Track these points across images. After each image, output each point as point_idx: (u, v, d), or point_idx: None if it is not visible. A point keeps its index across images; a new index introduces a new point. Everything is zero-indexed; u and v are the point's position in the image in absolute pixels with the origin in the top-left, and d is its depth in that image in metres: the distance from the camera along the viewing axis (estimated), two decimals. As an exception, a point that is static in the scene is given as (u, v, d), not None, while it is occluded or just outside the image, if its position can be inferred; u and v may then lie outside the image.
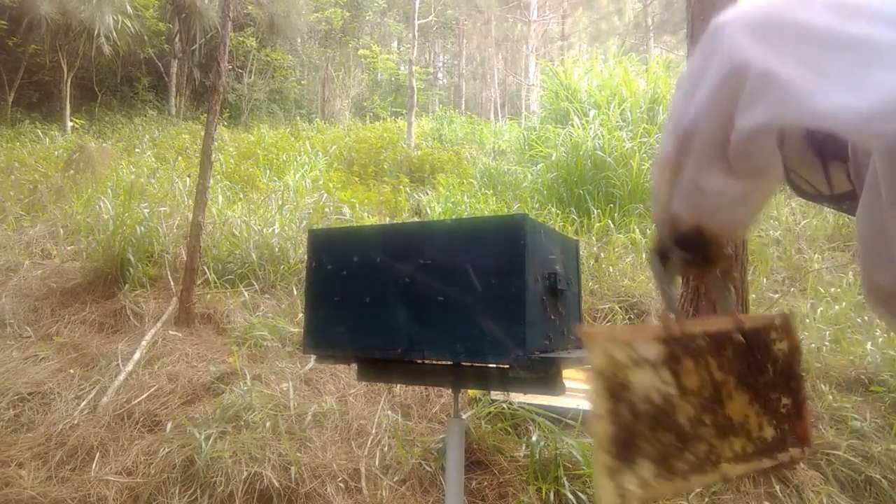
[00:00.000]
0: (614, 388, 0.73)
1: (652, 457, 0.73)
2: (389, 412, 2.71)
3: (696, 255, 0.82)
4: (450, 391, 2.64)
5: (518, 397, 2.57)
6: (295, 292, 3.95)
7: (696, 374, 0.79)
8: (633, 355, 0.76)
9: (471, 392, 2.72)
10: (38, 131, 9.33)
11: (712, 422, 0.77)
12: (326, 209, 5.51)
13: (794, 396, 0.83)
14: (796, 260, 4.49)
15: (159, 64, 12.66)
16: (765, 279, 4.20)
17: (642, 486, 0.71)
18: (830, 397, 2.73)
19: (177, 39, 12.59)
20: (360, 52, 15.32)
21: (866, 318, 3.51)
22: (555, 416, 2.49)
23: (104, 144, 8.16)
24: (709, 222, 0.77)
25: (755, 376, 0.82)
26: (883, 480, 2.25)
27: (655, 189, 0.79)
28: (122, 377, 2.97)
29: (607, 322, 3.62)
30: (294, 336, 3.38)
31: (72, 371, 3.04)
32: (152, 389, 2.84)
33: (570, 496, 2.07)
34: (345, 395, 2.86)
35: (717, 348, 0.80)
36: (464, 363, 1.21)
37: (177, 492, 2.13)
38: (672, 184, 0.75)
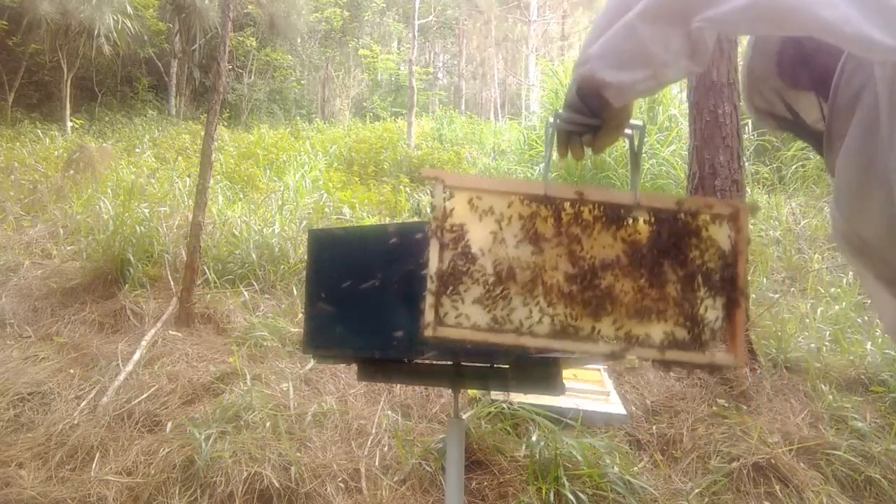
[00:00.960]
0: (450, 232, 0.81)
1: (477, 300, 0.79)
2: (389, 412, 2.71)
3: (596, 116, 0.83)
4: (450, 391, 2.64)
5: (518, 397, 2.57)
6: (295, 292, 3.95)
7: (558, 239, 0.80)
8: (479, 205, 0.81)
9: (471, 392, 2.72)
10: (38, 131, 9.33)
11: (574, 292, 0.79)
12: (326, 209, 5.51)
13: (727, 298, 0.80)
14: (796, 260, 4.49)
15: (159, 64, 12.66)
16: (765, 279, 4.20)
17: (459, 320, 0.80)
18: (830, 397, 2.73)
19: (177, 39, 12.58)
20: (360, 52, 15.33)
21: (866, 318, 3.51)
22: (555, 416, 2.49)
23: (104, 144, 8.16)
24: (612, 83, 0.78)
25: (658, 262, 0.80)
26: (883, 480, 2.25)
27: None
28: (122, 377, 2.97)
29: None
30: (294, 336, 3.38)
31: (72, 371, 3.04)
32: (152, 389, 2.84)
33: (570, 496, 2.07)
34: (345, 395, 2.86)
35: (605, 222, 0.81)
36: (464, 363, 1.21)
37: (177, 492, 2.13)
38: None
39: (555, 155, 0.93)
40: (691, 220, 0.82)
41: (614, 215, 0.81)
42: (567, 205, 0.82)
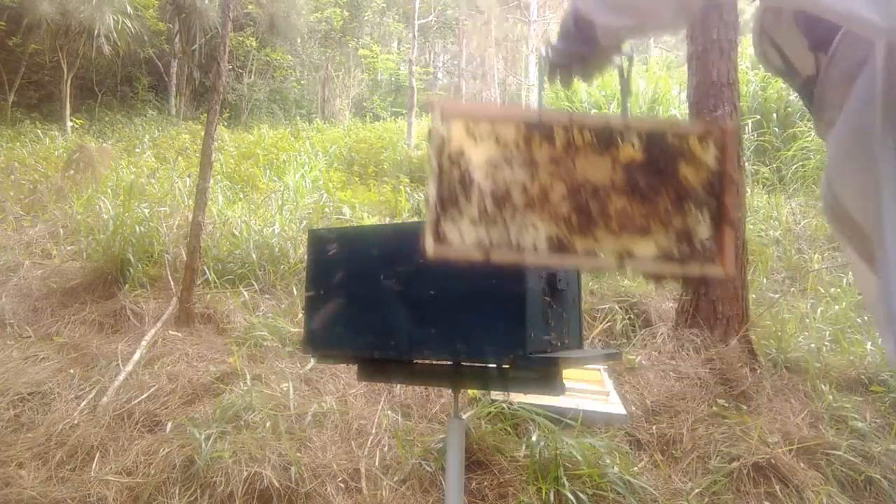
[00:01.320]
0: (449, 156, 0.86)
1: (475, 221, 0.85)
2: (389, 412, 2.71)
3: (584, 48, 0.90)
4: (450, 391, 2.64)
5: (518, 397, 2.57)
6: (295, 292, 3.95)
7: (553, 163, 0.85)
8: (475, 131, 0.86)
9: (471, 392, 2.72)
10: (38, 131, 9.33)
11: (569, 210, 0.84)
12: (326, 209, 5.51)
13: (715, 214, 0.84)
14: (796, 260, 4.49)
15: (159, 64, 12.66)
16: (765, 279, 4.20)
17: (458, 240, 0.85)
18: (830, 397, 2.73)
19: (177, 39, 12.58)
20: (360, 52, 15.33)
21: (866, 317, 3.51)
22: (555, 416, 2.49)
23: (104, 144, 8.16)
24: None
25: (650, 181, 0.84)
26: (883, 480, 2.25)
27: None
28: (122, 377, 2.97)
29: (608, 323, 3.62)
30: (294, 336, 3.39)
31: (72, 371, 3.04)
32: (152, 389, 2.84)
33: (570, 496, 2.07)
34: (345, 395, 2.86)
35: (597, 145, 0.86)
36: (464, 363, 1.21)
37: (177, 492, 2.13)
38: None
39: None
40: (680, 141, 0.86)
41: (606, 139, 0.86)
42: (560, 129, 0.86)
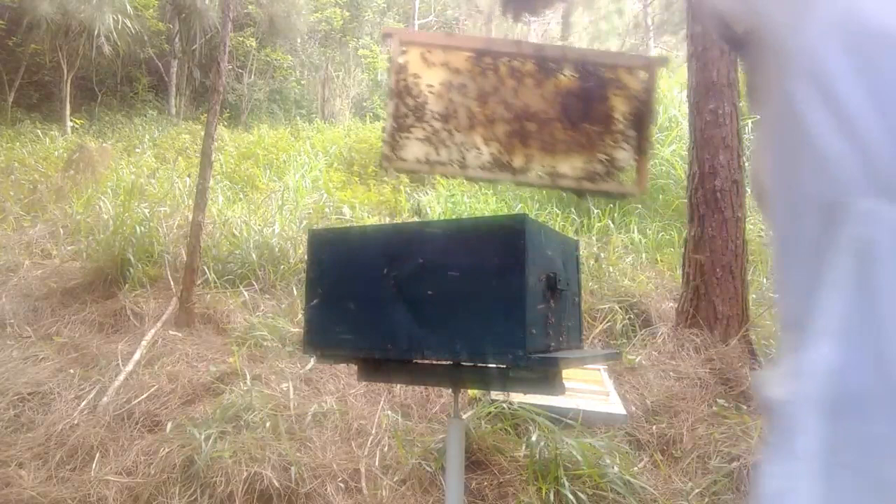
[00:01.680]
0: (405, 80, 0.96)
1: (426, 139, 0.96)
2: (389, 412, 2.71)
3: None
4: (450, 391, 2.64)
5: (518, 397, 2.57)
6: (295, 292, 3.95)
7: (496, 88, 0.95)
8: (429, 58, 0.96)
9: (471, 392, 2.72)
10: (38, 131, 9.33)
11: (510, 132, 0.94)
12: (326, 209, 5.51)
13: (636, 139, 0.93)
14: (796, 260, 4.48)
15: (159, 64, 12.65)
16: (765, 279, 4.20)
17: (412, 156, 0.97)
18: (830, 397, 2.73)
19: (177, 39, 12.58)
20: (360, 52, 15.32)
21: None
22: (555, 416, 2.49)
23: (104, 144, 8.15)
24: None
25: (580, 108, 0.94)
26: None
27: None
28: (122, 377, 2.97)
29: (607, 323, 3.62)
30: (294, 336, 3.38)
31: (72, 371, 3.04)
32: (152, 389, 2.84)
33: (570, 496, 2.07)
34: (345, 395, 2.86)
35: (537, 73, 0.95)
36: (464, 363, 1.21)
37: (177, 492, 2.13)
38: None
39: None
40: (609, 72, 0.95)
41: (545, 68, 0.95)
42: (505, 58, 0.96)
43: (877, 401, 0.54)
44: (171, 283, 3.99)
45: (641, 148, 0.94)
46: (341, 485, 2.23)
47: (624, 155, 0.95)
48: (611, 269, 4.21)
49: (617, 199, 0.93)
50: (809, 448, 0.55)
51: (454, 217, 5.25)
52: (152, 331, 3.45)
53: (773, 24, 0.66)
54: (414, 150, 0.98)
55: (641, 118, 0.94)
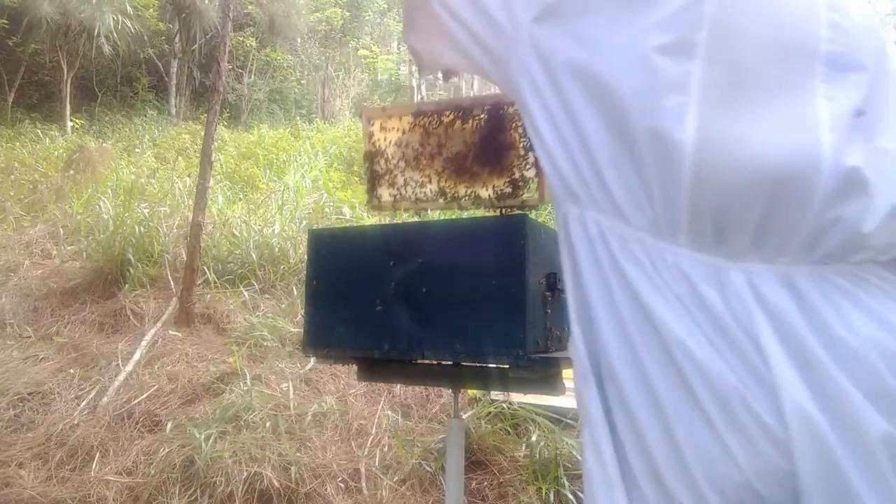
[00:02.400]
0: (373, 143, 1.31)
1: (390, 184, 1.30)
2: (389, 412, 2.71)
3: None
4: (450, 391, 2.64)
5: (518, 397, 2.57)
6: (295, 292, 3.94)
7: (432, 136, 1.24)
8: (390, 125, 1.29)
9: (471, 392, 2.72)
10: (38, 131, 9.32)
11: (444, 169, 1.23)
12: (326, 209, 5.50)
13: (536, 162, 1.14)
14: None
15: (159, 64, 12.65)
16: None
17: (386, 198, 1.31)
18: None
19: (177, 39, 12.57)
20: (360, 52, 15.32)
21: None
22: (555, 416, 2.49)
23: (104, 144, 8.15)
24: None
25: (494, 140, 1.18)
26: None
27: None
28: (122, 377, 2.97)
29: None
30: (294, 336, 3.38)
31: (72, 371, 3.04)
32: (152, 389, 2.84)
33: (570, 496, 2.07)
34: (345, 395, 2.86)
35: (458, 119, 1.21)
36: (464, 363, 1.21)
37: (177, 492, 2.13)
38: None
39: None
40: (510, 108, 1.17)
41: (463, 114, 1.21)
42: (433, 114, 1.24)
43: (616, 372, 0.65)
44: (171, 283, 3.99)
45: (538, 168, 1.14)
46: (341, 485, 2.23)
47: (529, 173, 1.16)
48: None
49: (527, 209, 1.12)
50: (595, 414, 0.67)
51: (454, 217, 5.23)
52: (152, 331, 3.45)
53: (482, 67, 0.78)
54: (385, 192, 1.30)
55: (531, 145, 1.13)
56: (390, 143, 1.29)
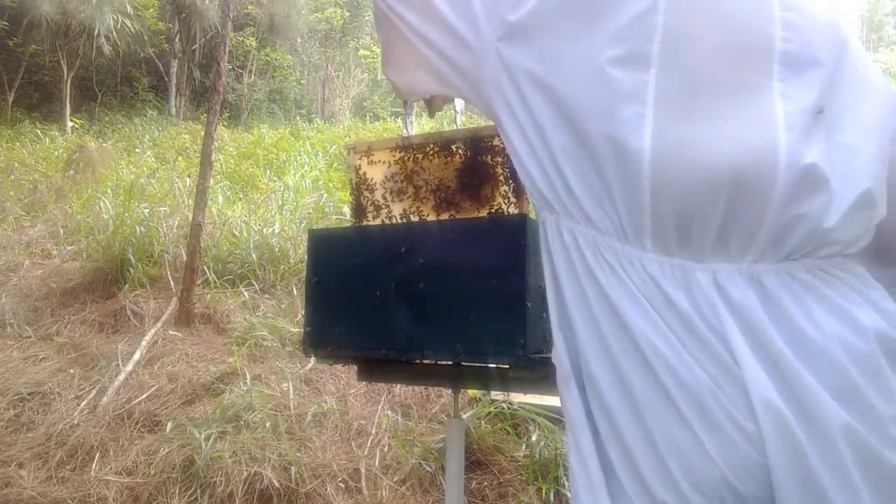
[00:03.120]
0: (362, 179, 1.37)
1: (375, 216, 1.35)
2: (389, 412, 2.71)
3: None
4: (450, 391, 2.64)
5: (518, 397, 2.57)
6: (295, 292, 3.94)
7: (420, 171, 1.31)
8: (372, 158, 1.36)
9: (471, 392, 2.72)
10: (38, 131, 9.32)
11: (429, 201, 1.30)
12: (326, 209, 5.50)
13: (516, 184, 1.22)
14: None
15: (159, 64, 12.65)
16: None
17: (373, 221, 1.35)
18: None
19: (177, 39, 12.57)
20: (361, 52, 15.32)
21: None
22: (555, 416, 2.49)
23: (104, 144, 8.16)
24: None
25: (476, 170, 1.25)
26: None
27: None
28: (122, 377, 2.97)
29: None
30: (294, 336, 3.38)
31: (72, 371, 3.04)
32: (152, 389, 2.84)
33: (570, 496, 2.07)
34: (345, 395, 2.86)
35: (441, 152, 1.28)
36: (464, 363, 1.21)
37: (177, 492, 2.13)
38: None
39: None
40: (489, 140, 1.24)
41: (445, 147, 1.28)
42: (418, 146, 1.30)
43: (595, 377, 0.66)
44: (171, 283, 3.99)
45: (519, 190, 1.21)
46: (341, 485, 2.23)
47: (509, 205, 1.24)
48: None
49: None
50: (578, 418, 0.68)
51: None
52: (152, 331, 3.45)
53: (459, 89, 0.81)
54: (375, 219, 1.35)
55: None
56: (376, 176, 1.35)
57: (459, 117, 1.60)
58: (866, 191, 0.64)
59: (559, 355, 0.72)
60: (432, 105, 1.15)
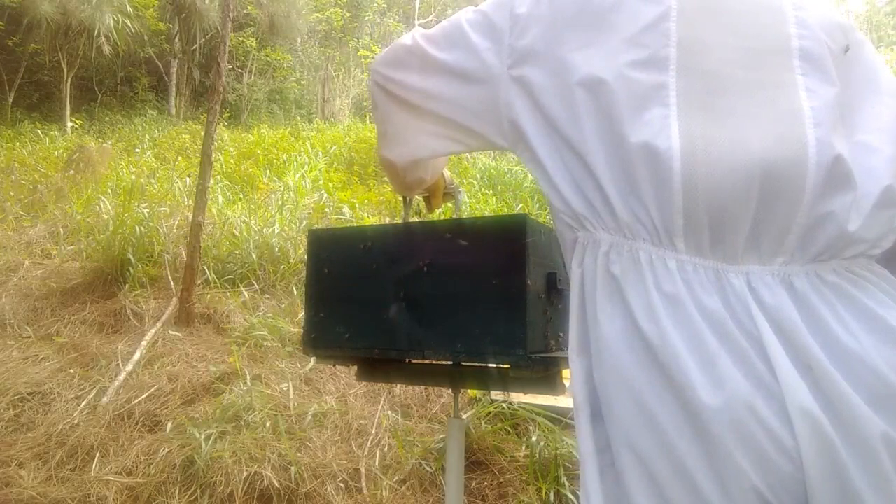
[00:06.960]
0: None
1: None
2: (389, 412, 2.71)
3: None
4: (450, 391, 2.63)
5: (518, 397, 2.57)
6: (295, 292, 3.94)
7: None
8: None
9: (471, 392, 2.72)
10: (38, 131, 9.32)
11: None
12: (326, 209, 5.50)
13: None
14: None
15: (159, 64, 12.65)
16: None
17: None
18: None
19: (177, 39, 12.57)
20: (361, 52, 15.32)
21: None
22: (555, 416, 2.49)
23: (104, 144, 8.15)
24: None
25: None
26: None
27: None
28: (122, 377, 2.96)
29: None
30: (294, 336, 3.38)
31: (72, 371, 3.04)
32: (152, 389, 2.84)
33: (571, 496, 2.07)
34: (345, 395, 2.86)
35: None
36: (464, 363, 1.21)
37: (177, 492, 2.13)
38: None
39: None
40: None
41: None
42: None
43: (610, 408, 0.63)
44: (171, 283, 3.99)
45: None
46: (341, 485, 2.23)
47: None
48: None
49: None
50: (586, 452, 0.66)
51: (454, 217, 5.22)
52: (152, 331, 3.45)
53: (471, 129, 0.80)
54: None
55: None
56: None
57: (462, 206, 1.50)
58: (888, 187, 0.63)
59: (574, 383, 0.69)
60: (431, 202, 1.11)
